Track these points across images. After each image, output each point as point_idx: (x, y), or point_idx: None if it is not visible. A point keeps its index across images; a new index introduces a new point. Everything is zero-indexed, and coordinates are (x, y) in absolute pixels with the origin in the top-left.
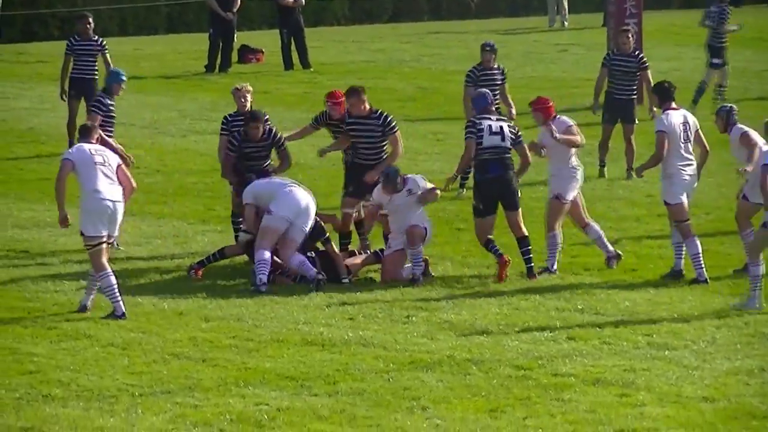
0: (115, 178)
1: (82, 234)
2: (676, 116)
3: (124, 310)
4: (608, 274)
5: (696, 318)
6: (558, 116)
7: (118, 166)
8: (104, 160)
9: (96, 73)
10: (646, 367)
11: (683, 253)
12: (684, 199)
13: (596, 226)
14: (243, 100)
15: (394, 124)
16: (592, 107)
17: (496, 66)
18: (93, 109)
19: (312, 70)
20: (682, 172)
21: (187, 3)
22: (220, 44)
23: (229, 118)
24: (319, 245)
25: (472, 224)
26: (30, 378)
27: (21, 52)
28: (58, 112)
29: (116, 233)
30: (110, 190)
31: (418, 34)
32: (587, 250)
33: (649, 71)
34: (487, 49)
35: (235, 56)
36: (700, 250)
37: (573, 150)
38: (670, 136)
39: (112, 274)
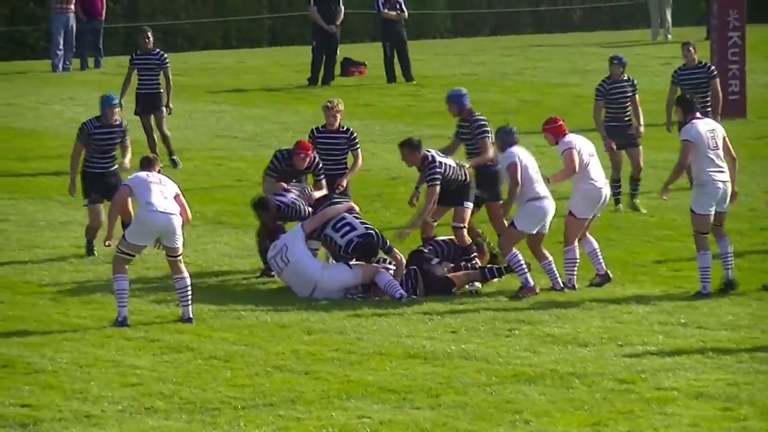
0: (171, 198)
1: (123, 237)
2: (702, 125)
3: (126, 316)
4: (711, 287)
5: None
6: (566, 136)
7: (176, 195)
8: (161, 181)
9: (159, 87)
10: (749, 381)
11: (731, 262)
12: (711, 211)
13: (593, 240)
14: (332, 119)
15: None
16: (665, 125)
17: (625, 78)
18: (77, 135)
19: (414, 82)
20: (715, 180)
21: (290, 16)
22: (323, 57)
23: (316, 133)
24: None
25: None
26: (133, 390)
27: (122, 65)
28: None
29: (176, 245)
30: (164, 204)
31: (521, 47)
32: (690, 264)
33: (717, 80)
34: (615, 62)
35: (337, 69)
36: (710, 265)
37: (592, 169)
38: (697, 145)
39: (126, 279)
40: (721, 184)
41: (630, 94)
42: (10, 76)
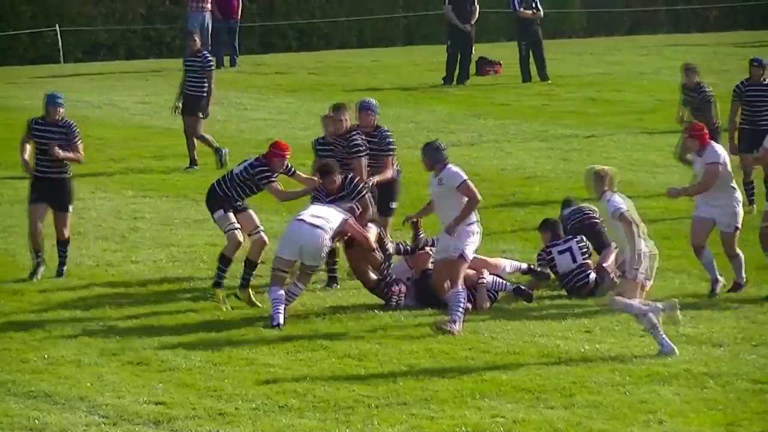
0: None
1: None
2: (721, 149)
3: (280, 322)
4: None
5: None
6: (711, 144)
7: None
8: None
9: (201, 90)
10: None
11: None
12: None
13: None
14: (332, 128)
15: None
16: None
17: (765, 81)
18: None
19: (549, 82)
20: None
21: (426, 15)
22: (458, 56)
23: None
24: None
25: (715, 240)
26: (266, 388)
27: (259, 64)
28: (295, 124)
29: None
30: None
31: (657, 47)
32: None
33: None
34: (755, 64)
35: (473, 68)
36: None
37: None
38: (724, 168)
39: (280, 288)
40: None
41: None
42: (145, 74)
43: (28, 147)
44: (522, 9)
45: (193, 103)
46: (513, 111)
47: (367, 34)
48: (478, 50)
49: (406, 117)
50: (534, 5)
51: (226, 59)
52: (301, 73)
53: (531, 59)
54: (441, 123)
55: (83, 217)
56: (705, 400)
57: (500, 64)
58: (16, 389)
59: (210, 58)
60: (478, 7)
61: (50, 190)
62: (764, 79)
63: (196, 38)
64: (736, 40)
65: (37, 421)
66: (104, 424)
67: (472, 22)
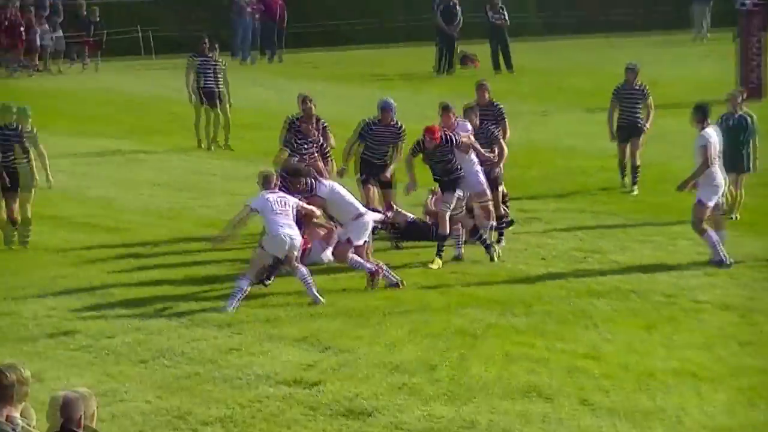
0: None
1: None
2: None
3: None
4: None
5: None
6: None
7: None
8: (284, 205)
9: (216, 84)
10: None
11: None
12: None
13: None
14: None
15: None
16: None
17: (637, 85)
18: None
19: (514, 72)
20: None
21: (421, 20)
22: (444, 52)
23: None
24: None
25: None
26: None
27: (298, 61)
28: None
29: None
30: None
31: (598, 45)
32: None
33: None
34: (630, 69)
35: (457, 61)
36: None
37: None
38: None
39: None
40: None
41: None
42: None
43: None
44: (493, 16)
45: (212, 96)
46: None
47: (378, 34)
48: (460, 48)
49: (407, 98)
50: (502, 15)
51: (270, 54)
52: (328, 65)
53: (500, 55)
54: (433, 102)
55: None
56: (630, 309)
57: (477, 59)
58: None
59: (219, 59)
60: (461, 16)
61: (12, 176)
62: (637, 83)
63: (206, 41)
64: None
65: None
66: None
67: (456, 27)
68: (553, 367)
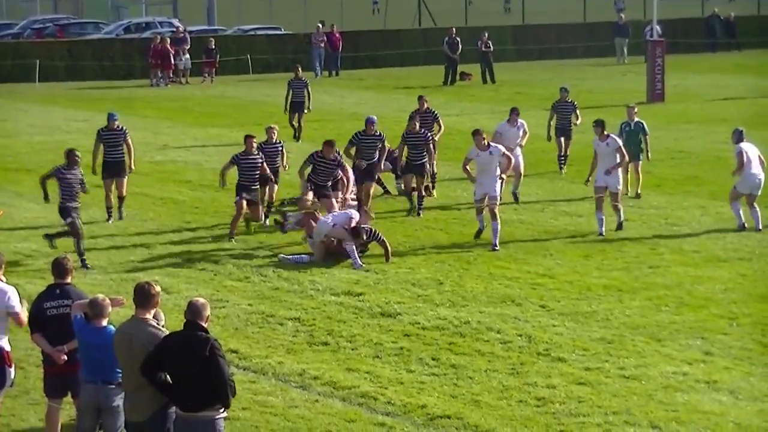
0: None
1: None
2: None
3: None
4: None
5: None
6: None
7: None
8: None
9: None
10: None
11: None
12: None
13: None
14: (272, 134)
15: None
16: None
17: (568, 100)
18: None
19: (496, 84)
20: None
21: (434, 50)
22: (450, 70)
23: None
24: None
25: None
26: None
27: (349, 75)
28: (369, 105)
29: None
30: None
31: (557, 66)
32: None
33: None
34: (563, 89)
35: (458, 77)
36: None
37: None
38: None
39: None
40: None
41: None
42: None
43: None
44: (482, 46)
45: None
46: (478, 99)
47: (404, 58)
48: (460, 67)
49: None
50: (489, 45)
51: (333, 72)
52: (371, 79)
53: (487, 73)
54: (441, 105)
55: None
56: (574, 243)
57: (472, 75)
58: None
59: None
60: (461, 46)
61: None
62: (568, 99)
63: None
64: (596, 64)
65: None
66: None
67: (458, 53)
68: (521, 282)
